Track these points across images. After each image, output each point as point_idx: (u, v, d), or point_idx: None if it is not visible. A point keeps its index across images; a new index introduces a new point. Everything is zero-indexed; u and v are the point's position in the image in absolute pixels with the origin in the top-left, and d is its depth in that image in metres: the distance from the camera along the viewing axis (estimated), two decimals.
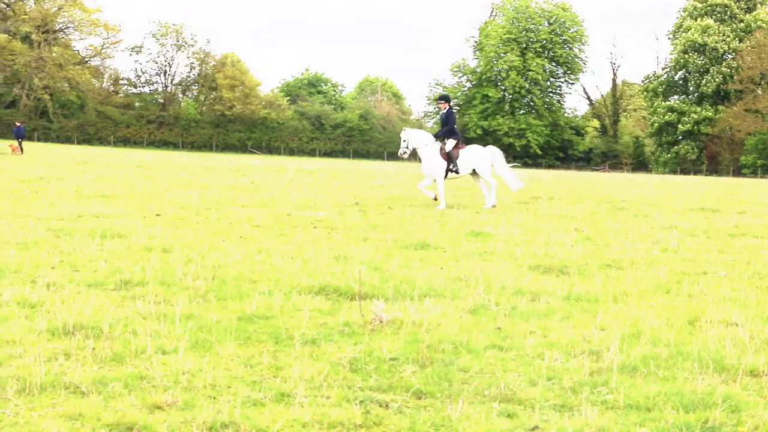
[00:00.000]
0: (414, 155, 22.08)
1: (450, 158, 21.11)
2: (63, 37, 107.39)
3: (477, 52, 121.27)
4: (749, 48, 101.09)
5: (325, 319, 7.48)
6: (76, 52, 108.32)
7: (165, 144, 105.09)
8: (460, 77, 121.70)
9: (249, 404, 5.18)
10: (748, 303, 8.84)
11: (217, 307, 7.72)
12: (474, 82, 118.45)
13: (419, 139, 21.47)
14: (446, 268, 10.53)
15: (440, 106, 22.46)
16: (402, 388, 5.63)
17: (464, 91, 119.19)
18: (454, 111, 23.04)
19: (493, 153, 21.72)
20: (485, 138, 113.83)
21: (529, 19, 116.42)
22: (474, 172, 21.46)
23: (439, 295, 8.74)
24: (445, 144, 21.23)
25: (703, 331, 7.40)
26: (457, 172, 21.19)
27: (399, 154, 22.10)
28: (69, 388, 5.30)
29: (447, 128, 21.55)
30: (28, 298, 7.65)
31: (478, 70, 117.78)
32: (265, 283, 8.87)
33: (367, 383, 5.71)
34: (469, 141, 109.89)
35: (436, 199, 20.77)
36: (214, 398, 5.26)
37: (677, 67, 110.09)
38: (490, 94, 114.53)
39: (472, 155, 21.46)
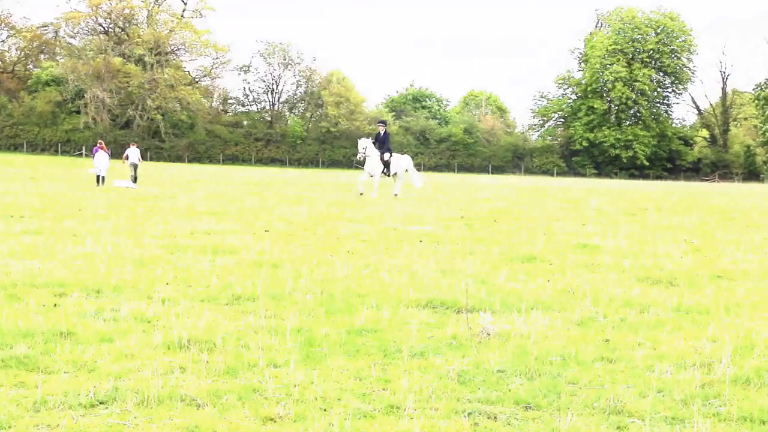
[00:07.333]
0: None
1: (386, 164, 30.92)
2: (174, 59, 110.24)
3: (582, 63, 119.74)
4: None
5: (433, 332, 7.53)
6: (187, 72, 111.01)
7: (272, 161, 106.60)
8: (565, 89, 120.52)
9: (359, 416, 5.26)
10: None
11: (327, 321, 7.85)
12: (579, 94, 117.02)
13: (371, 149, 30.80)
14: (553, 281, 10.47)
15: (380, 128, 32.61)
16: (510, 400, 5.63)
17: (569, 103, 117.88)
18: (389, 132, 33.92)
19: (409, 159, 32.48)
20: (591, 150, 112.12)
21: (636, 30, 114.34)
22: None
23: (546, 308, 8.70)
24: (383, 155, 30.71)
25: None
26: (388, 174, 31.20)
27: (357, 157, 32.13)
28: (185, 401, 5.45)
29: (386, 146, 31.36)
30: (145, 314, 7.90)
31: (583, 81, 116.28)
32: (373, 296, 8.97)
33: (475, 395, 5.73)
34: (573, 153, 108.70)
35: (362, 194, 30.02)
36: (325, 410, 5.35)
37: None
38: (595, 106, 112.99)
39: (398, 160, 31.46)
